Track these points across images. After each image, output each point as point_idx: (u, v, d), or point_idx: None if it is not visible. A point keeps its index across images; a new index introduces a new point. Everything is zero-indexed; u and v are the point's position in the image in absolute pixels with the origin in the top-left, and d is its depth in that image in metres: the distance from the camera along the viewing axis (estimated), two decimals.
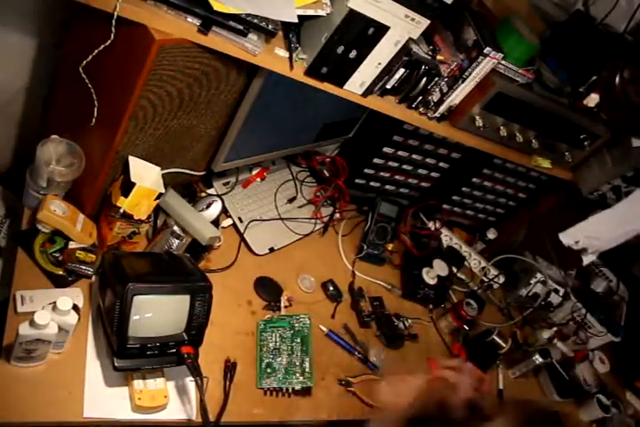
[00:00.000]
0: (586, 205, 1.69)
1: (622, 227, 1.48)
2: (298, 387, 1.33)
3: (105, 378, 1.12)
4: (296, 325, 1.41)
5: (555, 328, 1.82)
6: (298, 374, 1.34)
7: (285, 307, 1.46)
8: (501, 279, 1.91)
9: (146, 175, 1.21)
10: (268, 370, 1.33)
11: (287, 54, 1.11)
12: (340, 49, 1.10)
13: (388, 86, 1.26)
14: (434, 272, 1.78)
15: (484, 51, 1.22)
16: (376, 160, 1.72)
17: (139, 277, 1.07)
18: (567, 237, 1.54)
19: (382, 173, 1.79)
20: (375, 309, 1.63)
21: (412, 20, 1.09)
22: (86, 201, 1.27)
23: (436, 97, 1.31)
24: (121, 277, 1.07)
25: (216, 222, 1.37)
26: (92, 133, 1.18)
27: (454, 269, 1.85)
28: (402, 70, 1.22)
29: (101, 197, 1.26)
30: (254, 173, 1.67)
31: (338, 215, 1.81)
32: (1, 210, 1.41)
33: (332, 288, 1.60)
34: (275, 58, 1.10)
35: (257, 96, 1.26)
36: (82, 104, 1.12)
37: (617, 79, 1.25)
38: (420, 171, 1.81)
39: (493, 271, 1.91)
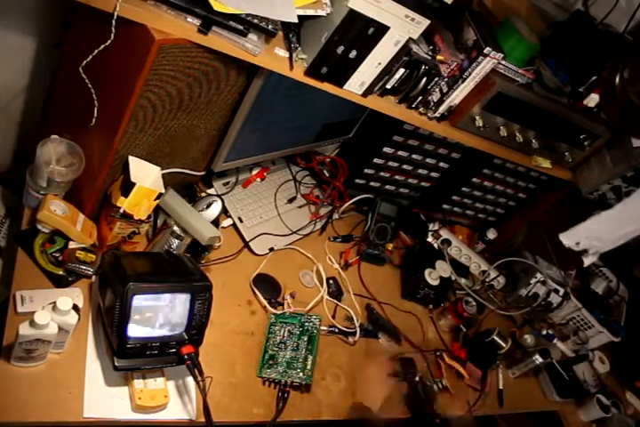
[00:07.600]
0: (586, 205, 1.68)
1: (623, 228, 1.48)
2: (296, 382, 1.33)
3: (105, 378, 1.12)
4: (306, 324, 1.42)
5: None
6: (299, 370, 1.34)
7: (289, 304, 1.47)
8: (502, 282, 1.91)
9: (146, 175, 1.21)
10: (270, 362, 1.34)
11: (287, 54, 1.11)
12: (340, 49, 1.10)
13: (388, 86, 1.26)
14: (436, 273, 1.78)
15: (484, 51, 1.22)
16: (376, 160, 1.72)
17: (139, 277, 1.07)
18: (568, 239, 1.53)
19: (382, 173, 1.79)
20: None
21: (412, 20, 1.09)
22: (86, 201, 1.27)
23: (435, 97, 1.31)
24: (121, 276, 1.07)
25: (216, 222, 1.37)
26: (92, 133, 1.18)
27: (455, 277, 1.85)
28: (402, 70, 1.23)
29: (101, 197, 1.26)
30: (254, 173, 1.67)
31: (336, 216, 1.81)
32: (1, 210, 1.41)
33: (332, 287, 1.60)
34: (275, 58, 1.10)
35: (257, 96, 1.26)
36: (82, 104, 1.12)
37: (617, 79, 1.25)
38: (420, 171, 1.81)
39: (493, 274, 1.91)
